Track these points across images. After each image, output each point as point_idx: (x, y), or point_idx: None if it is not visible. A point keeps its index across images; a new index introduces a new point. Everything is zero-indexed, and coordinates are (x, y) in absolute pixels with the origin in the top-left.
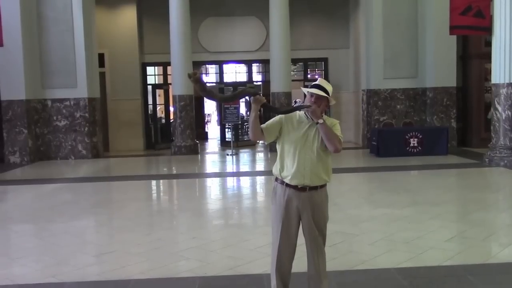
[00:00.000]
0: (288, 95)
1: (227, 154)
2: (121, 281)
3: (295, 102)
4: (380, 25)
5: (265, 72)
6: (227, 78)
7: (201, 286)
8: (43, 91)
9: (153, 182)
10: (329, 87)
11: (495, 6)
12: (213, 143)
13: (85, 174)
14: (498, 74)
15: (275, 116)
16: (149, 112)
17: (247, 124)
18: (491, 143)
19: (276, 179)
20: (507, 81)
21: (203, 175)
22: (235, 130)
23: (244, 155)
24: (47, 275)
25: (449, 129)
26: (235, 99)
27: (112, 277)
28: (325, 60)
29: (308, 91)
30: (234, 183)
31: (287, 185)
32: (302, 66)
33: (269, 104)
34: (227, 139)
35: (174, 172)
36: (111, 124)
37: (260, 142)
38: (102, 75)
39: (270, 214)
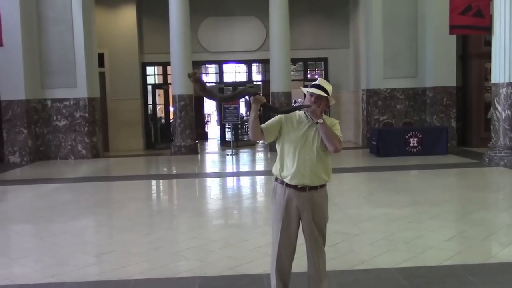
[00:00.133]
0: (288, 95)
1: (227, 154)
2: (121, 281)
3: (295, 102)
4: (380, 25)
5: (265, 72)
6: (227, 78)
7: (201, 286)
8: (43, 91)
9: (153, 182)
10: (329, 87)
11: (495, 6)
12: (213, 143)
13: (85, 174)
14: (498, 74)
15: (275, 116)
16: (149, 112)
17: (247, 124)
18: (491, 142)
19: (276, 179)
20: (507, 80)
21: (203, 175)
22: (235, 130)
23: (244, 155)
24: (47, 275)
25: (449, 129)
26: (235, 99)
27: (112, 277)
28: (325, 60)
29: (308, 91)
30: (234, 183)
31: (287, 185)
32: (302, 66)
33: (269, 104)
34: (227, 139)
35: (174, 172)
36: (111, 124)
37: (260, 142)
38: (102, 75)
39: (270, 214)
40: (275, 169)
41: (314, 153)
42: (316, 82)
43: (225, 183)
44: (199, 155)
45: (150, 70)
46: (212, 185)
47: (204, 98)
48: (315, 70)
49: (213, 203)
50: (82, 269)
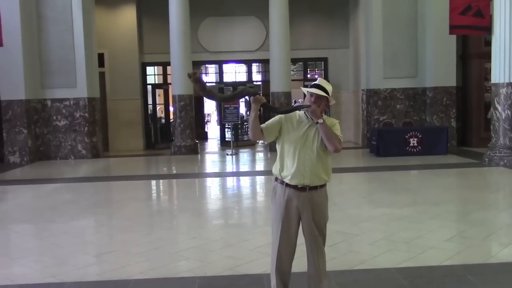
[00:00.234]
0: (288, 95)
1: (227, 154)
2: (121, 281)
3: (295, 102)
4: (380, 25)
5: (265, 72)
6: (227, 78)
7: (201, 286)
8: (42, 91)
9: (153, 182)
10: (329, 87)
11: (494, 6)
12: (213, 143)
13: (84, 174)
14: (498, 74)
15: (275, 116)
16: (149, 112)
17: (246, 124)
18: (490, 142)
19: (276, 179)
20: (506, 80)
21: (203, 175)
22: (235, 130)
23: (244, 155)
24: (47, 275)
25: (448, 129)
26: (234, 99)
27: (112, 277)
28: (325, 59)
29: (308, 91)
30: (234, 183)
31: (287, 185)
32: (302, 66)
33: (269, 104)
34: (227, 139)
35: (174, 172)
36: (111, 124)
37: (260, 142)
38: (102, 75)
39: (270, 214)
40: (275, 169)
41: (314, 153)
42: (316, 82)
43: (225, 183)
44: (199, 155)
45: (150, 70)
46: (212, 185)
47: (204, 98)
48: (315, 70)
49: (213, 203)
50: (82, 269)
